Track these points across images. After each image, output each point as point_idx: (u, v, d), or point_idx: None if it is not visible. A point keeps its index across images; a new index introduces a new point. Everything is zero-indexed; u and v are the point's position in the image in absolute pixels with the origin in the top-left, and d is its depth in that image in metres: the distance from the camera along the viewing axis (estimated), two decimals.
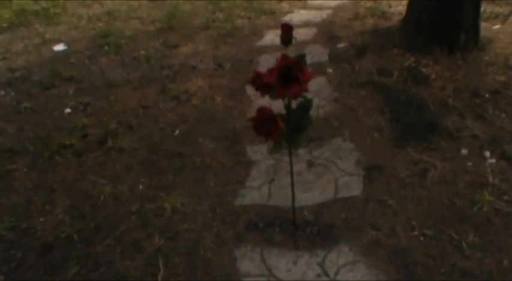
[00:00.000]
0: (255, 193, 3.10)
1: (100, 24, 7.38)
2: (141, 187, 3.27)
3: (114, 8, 8.35)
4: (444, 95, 4.13)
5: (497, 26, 5.83)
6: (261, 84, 2.02)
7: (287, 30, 2.15)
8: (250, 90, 4.50)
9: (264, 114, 2.05)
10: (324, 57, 5.10)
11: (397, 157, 3.37)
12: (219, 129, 3.87)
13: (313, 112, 3.71)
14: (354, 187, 3.07)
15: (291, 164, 2.52)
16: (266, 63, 5.14)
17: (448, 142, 3.52)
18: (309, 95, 2.12)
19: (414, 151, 3.42)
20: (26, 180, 3.43)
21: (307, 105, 2.22)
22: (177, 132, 3.90)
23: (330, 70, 4.78)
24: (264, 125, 2.05)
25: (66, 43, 6.51)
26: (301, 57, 2.07)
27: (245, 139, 3.68)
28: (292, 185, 2.62)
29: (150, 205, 3.07)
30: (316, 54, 5.18)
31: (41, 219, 3.05)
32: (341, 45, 5.41)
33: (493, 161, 3.31)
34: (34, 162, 3.63)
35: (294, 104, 2.22)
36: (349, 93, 4.27)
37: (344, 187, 3.08)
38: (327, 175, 3.19)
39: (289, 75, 1.93)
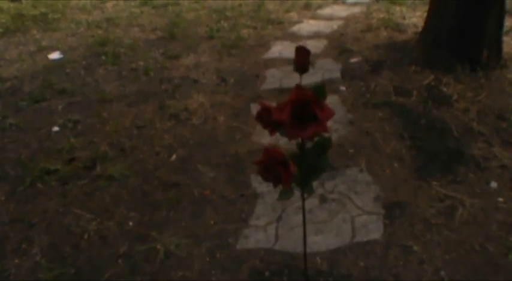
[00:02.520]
0: (260, 233, 2.72)
1: (99, 32, 7.07)
2: (130, 223, 2.90)
3: (114, 14, 8.05)
4: (468, 119, 3.75)
5: None
6: (270, 121, 1.64)
7: (303, 55, 1.76)
8: (255, 109, 4.13)
9: (272, 157, 1.66)
10: (336, 74, 4.73)
11: (421, 191, 2.99)
12: (221, 155, 3.50)
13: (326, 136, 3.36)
14: (373, 229, 2.69)
15: (303, 210, 2.12)
16: (273, 78, 4.78)
17: (475, 173, 3.15)
18: None
19: (439, 185, 3.04)
20: (2, 211, 3.06)
21: (325, 145, 1.84)
22: (174, 157, 3.53)
23: (343, 88, 4.40)
24: (273, 169, 1.67)
25: (63, 51, 6.21)
26: (319, 89, 1.67)
27: (249, 167, 3.31)
28: (304, 229, 2.21)
29: (140, 247, 2.69)
30: (327, 70, 4.81)
31: (16, 261, 2.67)
32: (354, 60, 5.04)
33: None
34: (13, 190, 3.26)
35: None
36: (365, 115, 3.89)
37: (362, 228, 2.69)
38: (342, 213, 2.80)
39: (304, 111, 1.55)
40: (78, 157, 3.59)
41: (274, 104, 1.65)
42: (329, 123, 3.66)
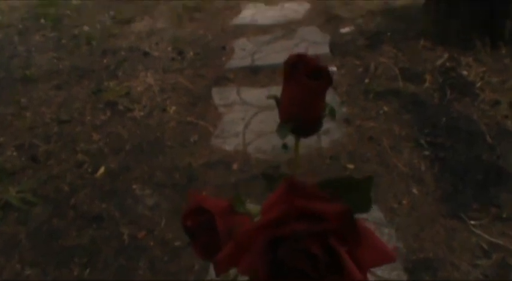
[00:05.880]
0: None
1: None
2: None
3: None
4: (500, 115, 2.82)
5: None
6: (208, 244, 0.62)
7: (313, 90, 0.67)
8: (217, 96, 3.13)
9: None
10: (324, 48, 3.69)
11: (455, 237, 2.04)
12: (167, 168, 2.51)
13: (313, 141, 2.41)
14: None
15: None
16: (243, 52, 3.77)
17: None
18: None
19: (479, 225, 2.09)
20: None
21: None
22: (101, 171, 2.53)
23: (333, 68, 3.38)
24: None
25: (1, 12, 5.20)
26: (361, 193, 0.60)
27: (205, 191, 2.31)
28: None
29: None
30: (312, 43, 3.78)
31: None
32: (345, 29, 4.01)
33: None
34: None
35: None
36: (365, 109, 2.91)
37: None
38: None
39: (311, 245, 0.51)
40: None
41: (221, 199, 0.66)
42: None
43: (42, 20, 4.88)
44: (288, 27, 4.18)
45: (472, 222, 2.12)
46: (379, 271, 1.86)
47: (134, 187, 2.41)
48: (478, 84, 3.12)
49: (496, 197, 2.25)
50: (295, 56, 0.64)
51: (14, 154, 2.73)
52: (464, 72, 3.25)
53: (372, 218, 2.11)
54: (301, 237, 0.48)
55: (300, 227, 0.48)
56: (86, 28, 4.63)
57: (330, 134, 2.69)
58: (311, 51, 3.61)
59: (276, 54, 3.61)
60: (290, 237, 0.49)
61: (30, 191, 2.40)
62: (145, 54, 3.92)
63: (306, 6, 4.78)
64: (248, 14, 4.67)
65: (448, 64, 3.35)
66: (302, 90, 0.64)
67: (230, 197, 0.63)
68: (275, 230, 0.49)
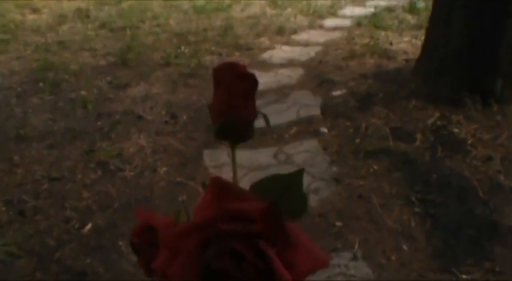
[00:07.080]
0: None
1: (47, 55, 6.12)
2: None
3: (68, 37, 7.07)
4: (492, 171, 2.83)
5: None
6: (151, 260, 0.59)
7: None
8: (208, 158, 3.13)
9: None
10: (315, 110, 3.72)
11: None
12: None
13: None
14: None
15: None
16: None
17: None
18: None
19: (470, 279, 2.04)
20: None
21: None
22: (88, 227, 2.50)
23: (324, 130, 3.40)
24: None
25: (2, 76, 5.30)
26: (289, 185, 0.61)
27: None
28: None
29: None
30: (304, 106, 3.81)
31: None
32: (337, 92, 4.05)
33: None
34: None
35: None
36: (355, 168, 2.90)
37: None
38: None
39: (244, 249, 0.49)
40: None
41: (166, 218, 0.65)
42: (307, 179, 2.66)
43: (41, 84, 4.92)
44: (281, 92, 4.22)
45: (464, 276, 2.07)
46: None
47: (120, 243, 2.38)
48: (470, 141, 3.14)
49: (490, 251, 2.22)
50: (224, 64, 0.66)
51: (2, 208, 2.72)
52: (456, 130, 3.27)
53: (360, 274, 2.07)
54: (227, 238, 0.47)
55: (225, 228, 0.47)
56: (82, 92, 4.67)
57: (319, 193, 2.67)
58: (302, 114, 3.65)
59: (268, 119, 3.64)
60: (217, 238, 0.48)
61: (15, 244, 2.38)
62: (139, 117, 3.94)
63: (300, 71, 4.84)
64: None
65: (439, 123, 3.37)
66: (229, 92, 0.66)
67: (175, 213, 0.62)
68: (203, 233, 0.48)
